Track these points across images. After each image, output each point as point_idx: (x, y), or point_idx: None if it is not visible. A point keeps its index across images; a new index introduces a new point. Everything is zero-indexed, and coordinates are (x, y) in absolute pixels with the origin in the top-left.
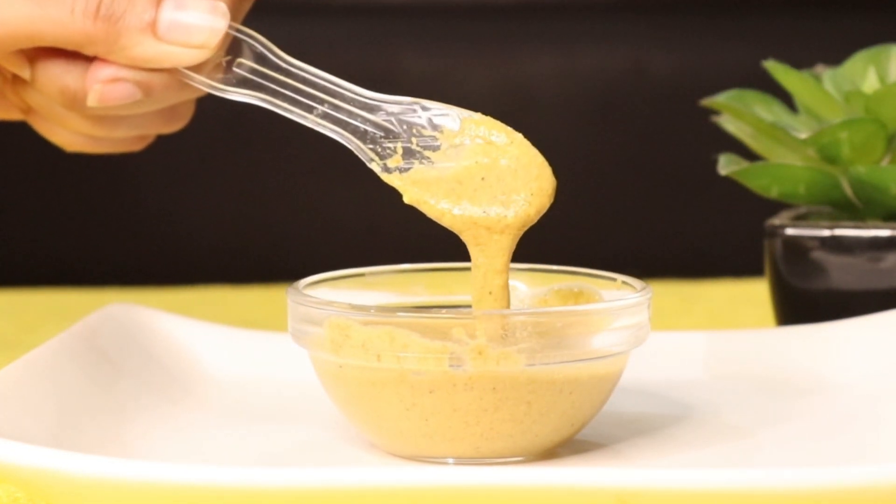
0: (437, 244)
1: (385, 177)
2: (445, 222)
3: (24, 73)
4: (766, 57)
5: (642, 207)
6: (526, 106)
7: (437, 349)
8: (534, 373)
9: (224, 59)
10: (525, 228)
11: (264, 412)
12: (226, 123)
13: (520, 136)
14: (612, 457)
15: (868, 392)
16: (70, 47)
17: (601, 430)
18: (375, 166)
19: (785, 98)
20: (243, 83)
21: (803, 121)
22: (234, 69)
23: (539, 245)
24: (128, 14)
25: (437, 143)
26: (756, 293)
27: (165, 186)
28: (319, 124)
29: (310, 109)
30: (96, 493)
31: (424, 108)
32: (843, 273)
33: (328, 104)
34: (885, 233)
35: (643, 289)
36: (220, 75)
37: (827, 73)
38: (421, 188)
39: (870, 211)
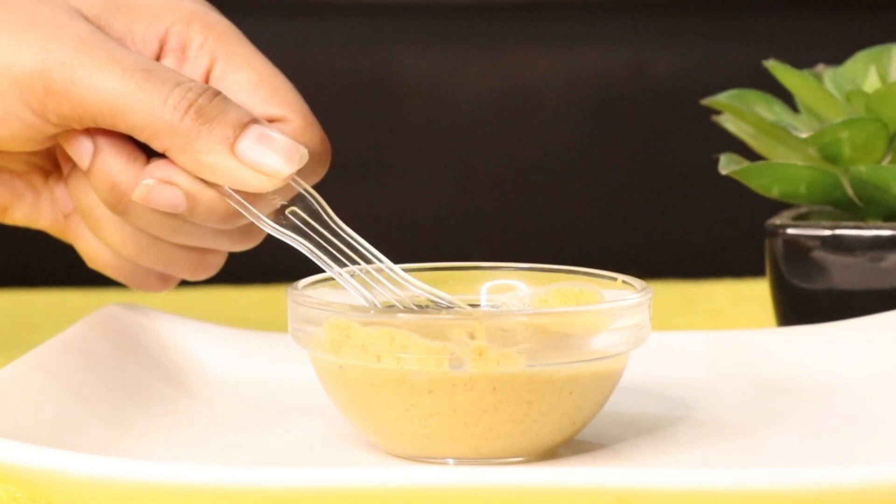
0: (438, 244)
1: None
2: None
3: (84, 158)
4: (766, 56)
5: (642, 207)
6: (526, 106)
7: (437, 350)
8: (534, 373)
9: (279, 204)
10: None
11: (264, 412)
12: None
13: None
14: (613, 457)
15: (868, 392)
16: (145, 135)
17: (602, 430)
18: None
19: (786, 97)
20: (289, 227)
21: (804, 120)
22: (286, 214)
23: (539, 245)
24: (216, 122)
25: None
26: (757, 293)
27: None
28: (348, 282)
29: (343, 266)
30: (96, 493)
31: (454, 305)
32: (844, 273)
33: (362, 270)
34: (886, 232)
35: (644, 289)
36: (267, 211)
37: (828, 73)
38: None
39: (871, 211)
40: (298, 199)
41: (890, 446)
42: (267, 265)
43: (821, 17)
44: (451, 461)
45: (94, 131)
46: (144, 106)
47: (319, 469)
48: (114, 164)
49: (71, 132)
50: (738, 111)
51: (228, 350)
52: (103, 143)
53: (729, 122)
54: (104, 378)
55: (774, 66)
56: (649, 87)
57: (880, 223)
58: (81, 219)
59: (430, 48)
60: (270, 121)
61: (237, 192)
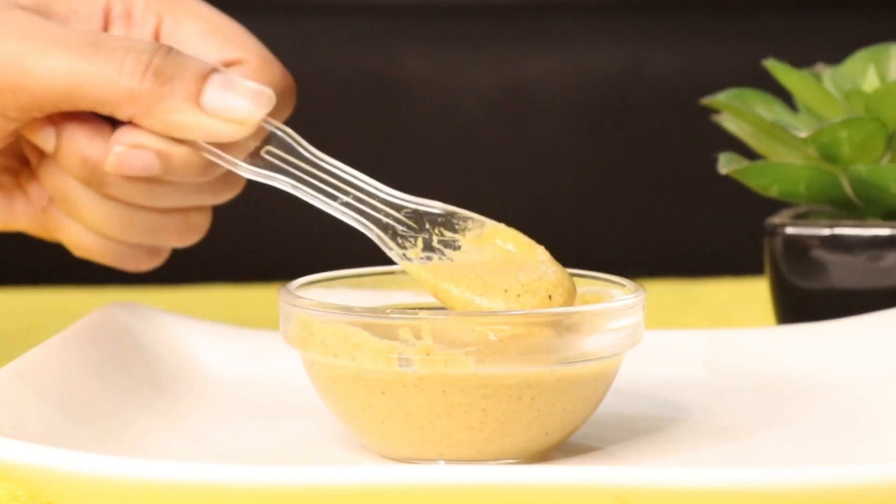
0: None
1: (404, 264)
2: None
3: (49, 141)
4: (766, 56)
5: (642, 207)
6: (526, 106)
7: (385, 348)
8: (485, 375)
9: (253, 146)
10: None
11: (264, 411)
12: None
13: (542, 248)
14: (608, 458)
15: (867, 391)
16: (108, 108)
17: (597, 431)
18: (395, 254)
19: (785, 97)
20: (268, 167)
21: (803, 120)
22: (262, 155)
23: (539, 244)
24: (176, 79)
25: (458, 244)
26: (756, 292)
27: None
28: (342, 212)
29: (333, 198)
30: (96, 492)
31: (449, 213)
32: (843, 272)
33: (352, 195)
34: (885, 232)
35: (636, 290)
36: (246, 155)
37: (827, 72)
38: (439, 276)
39: (870, 210)
40: (272, 138)
41: (889, 445)
42: (267, 265)
43: (820, 16)
44: (442, 462)
45: (55, 114)
46: (100, 80)
47: (319, 468)
48: (79, 138)
49: (31, 121)
50: (737, 111)
51: (228, 349)
52: (64, 121)
53: (728, 122)
54: (104, 377)
55: (774, 66)
56: (649, 87)
57: (879, 222)
58: (59, 206)
59: (431, 48)
60: (228, 65)
61: (210, 143)
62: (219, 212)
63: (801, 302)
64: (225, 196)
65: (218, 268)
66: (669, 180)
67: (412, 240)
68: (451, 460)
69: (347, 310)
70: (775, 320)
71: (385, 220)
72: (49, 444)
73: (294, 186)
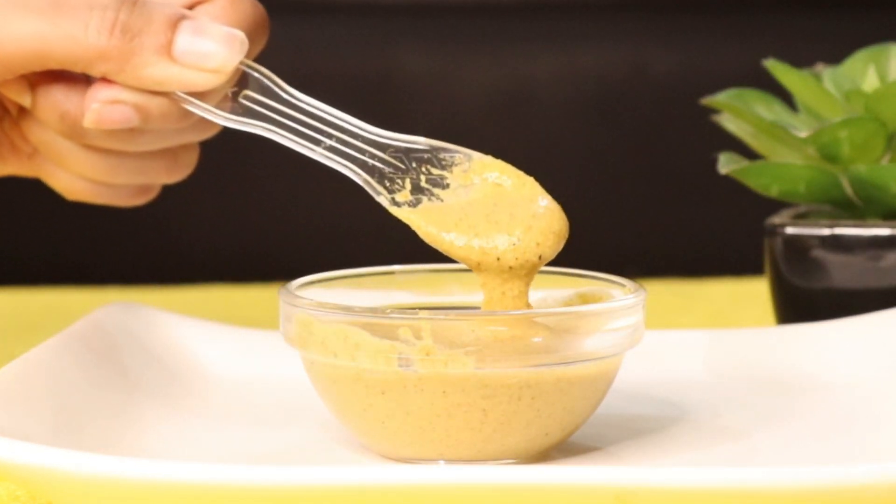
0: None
1: (394, 210)
2: (455, 254)
3: (25, 99)
4: (766, 56)
5: (642, 207)
6: (526, 106)
7: (385, 348)
8: (485, 375)
9: (230, 91)
10: (534, 271)
11: (264, 411)
12: None
13: (531, 179)
14: (607, 458)
15: (868, 391)
16: (79, 67)
17: (597, 431)
18: (384, 199)
19: (785, 97)
20: (248, 113)
21: (803, 119)
22: (240, 100)
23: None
24: (144, 33)
25: (447, 182)
26: (756, 292)
27: (166, 186)
28: (327, 157)
29: (317, 142)
30: (96, 492)
31: (434, 149)
32: (843, 272)
33: (336, 138)
34: (885, 231)
35: (636, 290)
36: (222, 104)
37: (827, 72)
38: (430, 220)
39: (870, 210)
40: (248, 81)
41: (889, 445)
42: (267, 264)
43: (820, 16)
44: (442, 462)
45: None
46: (67, 41)
47: (320, 469)
48: (56, 95)
49: (5, 81)
50: (737, 110)
51: (228, 349)
52: (39, 79)
53: (728, 122)
54: (104, 377)
55: (774, 66)
56: (649, 87)
57: (879, 222)
58: (44, 156)
59: (431, 48)
60: (196, 5)
61: (186, 92)
62: (219, 212)
63: (801, 302)
64: (209, 133)
65: (218, 268)
66: (669, 180)
67: (400, 181)
68: (451, 460)
69: (347, 310)
70: (775, 320)
71: (371, 162)
72: (49, 444)
73: (275, 132)
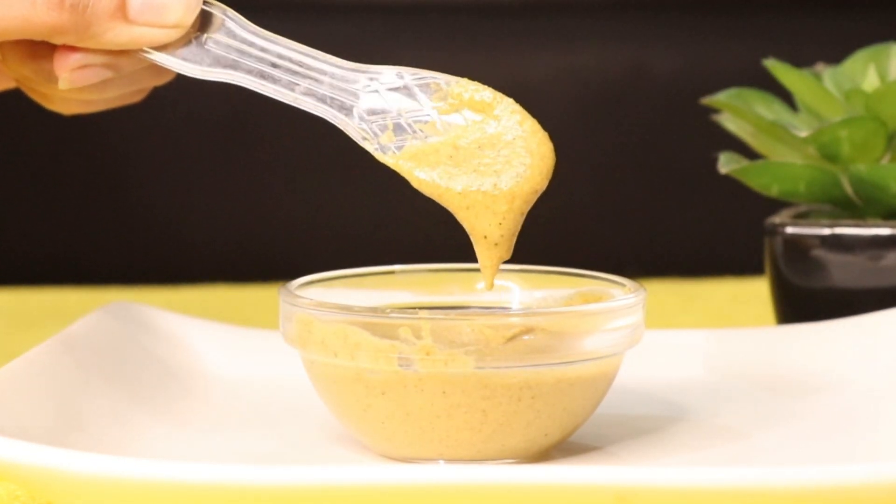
0: (437, 245)
1: (380, 157)
2: (445, 200)
3: None
4: (766, 55)
5: (642, 206)
6: (526, 105)
7: (385, 348)
8: (485, 376)
9: (192, 36)
10: (530, 201)
11: (264, 411)
12: (226, 122)
13: (510, 100)
14: (608, 458)
15: (868, 391)
16: (39, 38)
17: (597, 431)
18: (368, 145)
19: (785, 96)
20: (217, 62)
21: (803, 119)
22: (206, 46)
23: (539, 244)
24: (95, 1)
25: (428, 116)
26: (756, 292)
27: (166, 185)
28: (303, 102)
29: (291, 87)
30: (96, 491)
31: (410, 77)
32: (843, 271)
33: (310, 79)
34: (885, 231)
35: (636, 290)
36: (190, 54)
37: (827, 72)
38: (415, 162)
39: (870, 209)
40: (212, 22)
41: (889, 445)
42: (267, 264)
43: (820, 16)
44: (441, 462)
45: None
46: (19, 21)
47: (320, 469)
48: (22, 56)
49: None
50: (737, 110)
51: (228, 348)
52: (4, 46)
53: (728, 121)
54: (104, 377)
55: (774, 66)
56: (649, 87)
57: (879, 222)
58: (28, 92)
59: (431, 48)
60: None
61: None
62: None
63: (801, 302)
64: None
65: (218, 268)
66: (669, 180)
67: (382, 121)
68: (450, 460)
69: (347, 309)
70: (775, 320)
71: (349, 103)
72: (49, 444)
73: (248, 80)
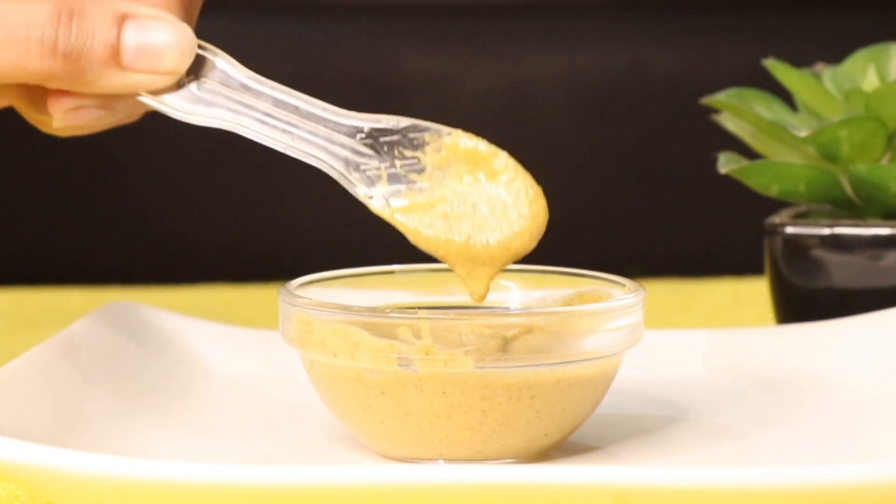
0: None
1: (373, 208)
2: (435, 252)
3: None
4: (766, 55)
5: (642, 206)
6: (526, 105)
7: (385, 348)
8: (485, 376)
9: (186, 80)
10: (519, 256)
11: (264, 411)
12: None
13: (505, 154)
14: (608, 458)
15: (868, 391)
16: (33, 83)
17: (596, 431)
18: (362, 195)
19: (785, 96)
20: (210, 106)
21: (803, 119)
22: (199, 91)
23: (539, 245)
24: (88, 47)
25: (422, 165)
26: (756, 291)
27: (166, 185)
28: (298, 150)
29: (285, 133)
30: (96, 491)
31: (404, 127)
32: (843, 271)
33: (303, 128)
34: (885, 231)
35: (636, 290)
36: (183, 98)
37: (827, 72)
38: (411, 216)
39: (870, 209)
40: (204, 66)
41: (889, 444)
42: (267, 264)
43: (820, 16)
44: (441, 462)
45: None
46: (12, 67)
47: (320, 469)
48: (19, 94)
49: None
50: (737, 110)
51: (228, 348)
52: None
53: (728, 121)
54: (104, 377)
55: (773, 65)
56: (649, 87)
57: (879, 222)
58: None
59: (431, 48)
60: None
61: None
62: (219, 211)
63: (801, 302)
64: None
65: (218, 268)
66: (669, 180)
67: (376, 170)
68: (450, 460)
69: (347, 309)
70: (775, 320)
71: (344, 152)
72: (48, 444)
73: (241, 127)
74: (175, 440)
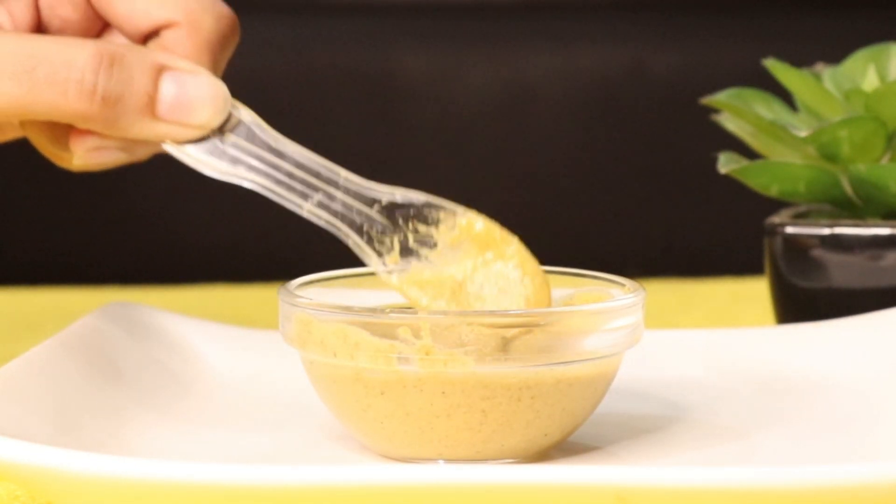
0: None
1: (385, 277)
2: None
3: (14, 132)
4: (766, 55)
5: (642, 206)
6: (526, 105)
7: (385, 348)
8: (484, 376)
9: (212, 134)
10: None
11: (264, 410)
12: None
13: (517, 241)
14: (608, 458)
15: (867, 391)
16: (65, 122)
17: (596, 431)
18: (374, 265)
19: (785, 96)
20: (233, 163)
21: (803, 119)
22: (223, 146)
23: (539, 244)
24: (126, 94)
25: (434, 241)
26: (756, 292)
27: (166, 185)
28: (314, 214)
29: (304, 197)
30: (96, 491)
31: (420, 203)
32: (843, 271)
33: (322, 192)
34: (884, 231)
35: (635, 290)
36: (207, 151)
37: (827, 72)
38: (420, 290)
39: (870, 209)
40: (231, 122)
41: (888, 444)
42: (267, 264)
43: (820, 16)
44: (441, 462)
45: None
46: (48, 108)
47: (320, 469)
48: (43, 131)
49: None
50: (737, 110)
51: (228, 348)
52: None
53: (728, 121)
54: (104, 376)
55: (773, 65)
56: (649, 87)
57: (879, 222)
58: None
59: (431, 48)
60: (160, 29)
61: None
62: (219, 211)
63: (801, 302)
64: None
65: (218, 268)
66: (669, 180)
67: (389, 242)
68: (450, 460)
69: (346, 309)
70: (775, 320)
71: (359, 220)
72: (48, 444)
73: (262, 186)
74: (175, 440)
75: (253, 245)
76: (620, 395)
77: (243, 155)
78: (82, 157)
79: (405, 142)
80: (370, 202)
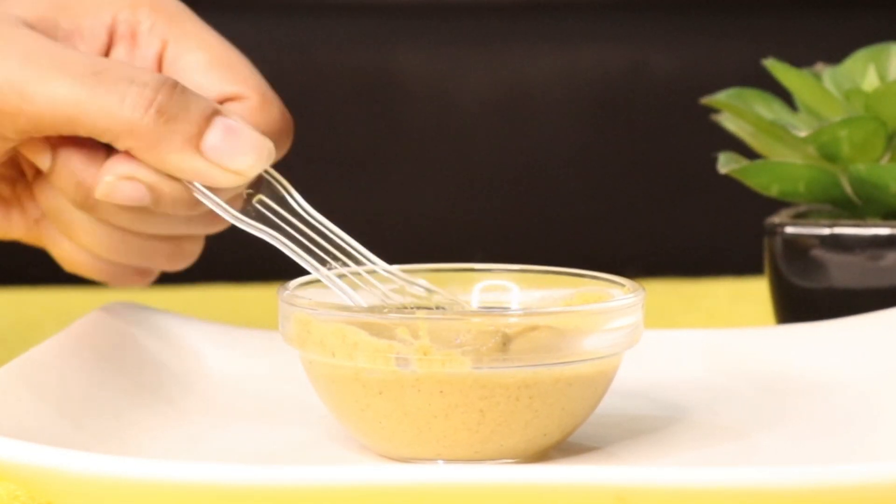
0: (436, 245)
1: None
2: None
3: (45, 161)
4: (766, 55)
5: (642, 206)
6: (526, 105)
7: (383, 348)
8: (483, 376)
9: (244, 192)
10: None
11: (264, 410)
12: None
13: None
14: (607, 458)
15: (867, 391)
16: (106, 138)
17: (596, 431)
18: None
19: (785, 96)
20: (258, 218)
21: (803, 119)
22: (253, 203)
23: (539, 245)
24: (178, 119)
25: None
26: (756, 291)
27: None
28: (331, 280)
29: (322, 262)
30: (96, 491)
31: (440, 294)
32: (842, 271)
33: (341, 262)
34: (884, 231)
35: (635, 290)
36: (237, 201)
37: (827, 72)
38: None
39: (869, 209)
40: (264, 186)
41: (888, 444)
42: (267, 264)
43: (820, 16)
44: (440, 462)
45: (53, 135)
46: (101, 110)
47: (320, 469)
48: (75, 162)
49: (29, 140)
50: (737, 110)
51: (228, 348)
52: (62, 144)
53: (728, 121)
54: (104, 376)
55: (773, 65)
56: (649, 87)
57: (879, 222)
58: (52, 223)
59: (431, 48)
60: (227, 99)
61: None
62: None
63: (801, 302)
64: (216, 228)
65: (218, 268)
66: (669, 180)
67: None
68: (449, 460)
69: (345, 309)
70: (775, 320)
71: (375, 295)
72: (48, 444)
73: (282, 243)
74: (175, 440)
75: (253, 245)
76: (620, 395)
77: (268, 213)
78: (110, 182)
79: (405, 142)
80: (385, 281)
